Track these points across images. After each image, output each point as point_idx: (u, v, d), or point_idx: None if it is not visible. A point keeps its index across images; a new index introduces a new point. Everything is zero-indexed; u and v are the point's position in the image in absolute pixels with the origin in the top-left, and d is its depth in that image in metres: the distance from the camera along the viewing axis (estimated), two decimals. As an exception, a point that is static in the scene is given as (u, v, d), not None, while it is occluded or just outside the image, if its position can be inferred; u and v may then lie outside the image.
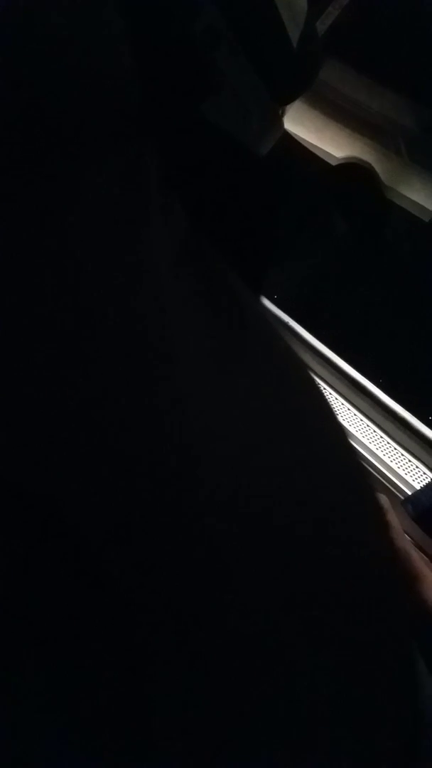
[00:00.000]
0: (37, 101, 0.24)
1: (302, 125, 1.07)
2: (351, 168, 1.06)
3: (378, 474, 0.99)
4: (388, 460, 1.00)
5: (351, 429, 1.03)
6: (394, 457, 1.01)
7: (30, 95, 0.24)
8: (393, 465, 0.99)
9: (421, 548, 0.86)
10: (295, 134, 1.06)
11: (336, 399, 1.06)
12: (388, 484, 0.98)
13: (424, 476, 0.99)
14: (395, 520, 0.79)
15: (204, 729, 0.25)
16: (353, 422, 1.05)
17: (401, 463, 1.00)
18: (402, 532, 0.79)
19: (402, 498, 0.95)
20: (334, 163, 1.08)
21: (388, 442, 1.03)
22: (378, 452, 1.01)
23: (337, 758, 0.27)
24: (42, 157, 0.24)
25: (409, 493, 0.96)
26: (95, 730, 0.23)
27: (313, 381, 0.35)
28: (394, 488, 0.98)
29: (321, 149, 1.08)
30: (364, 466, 0.34)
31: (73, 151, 0.25)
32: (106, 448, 0.24)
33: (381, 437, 1.03)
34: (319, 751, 0.27)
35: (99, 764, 0.23)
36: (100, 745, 0.23)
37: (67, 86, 0.25)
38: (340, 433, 0.35)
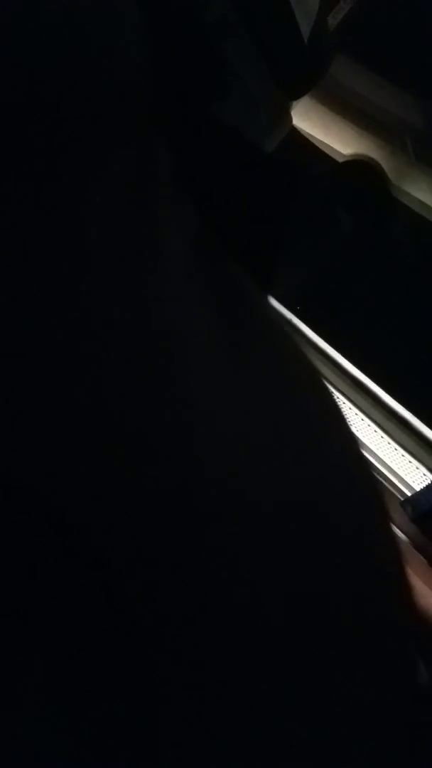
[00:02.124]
0: (43, 93, 0.23)
1: (309, 121, 1.06)
2: (357, 165, 1.06)
3: (378, 474, 0.99)
4: (388, 461, 1.00)
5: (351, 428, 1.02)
6: (394, 457, 1.01)
7: (35, 86, 0.23)
8: (393, 465, 0.99)
9: (420, 550, 0.86)
10: (302, 130, 1.05)
11: (337, 397, 1.06)
12: (387, 485, 0.98)
13: (424, 477, 0.99)
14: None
15: (210, 731, 0.25)
16: (354, 422, 1.05)
17: (401, 464, 1.00)
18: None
19: (402, 499, 0.95)
20: (340, 159, 1.07)
21: (389, 443, 1.02)
22: (378, 452, 1.01)
23: (340, 760, 0.27)
24: (47, 152, 0.23)
25: (409, 494, 0.96)
26: (98, 736, 0.23)
27: (323, 384, 0.35)
28: (394, 489, 0.97)
29: (327, 145, 1.07)
30: (373, 474, 0.35)
31: (80, 146, 0.24)
32: (110, 447, 0.23)
33: (381, 437, 1.03)
34: (322, 753, 0.27)
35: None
36: (104, 752, 0.23)
37: (75, 78, 0.25)
38: (350, 440, 0.34)
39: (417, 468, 1.00)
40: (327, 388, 0.35)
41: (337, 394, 1.06)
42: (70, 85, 0.24)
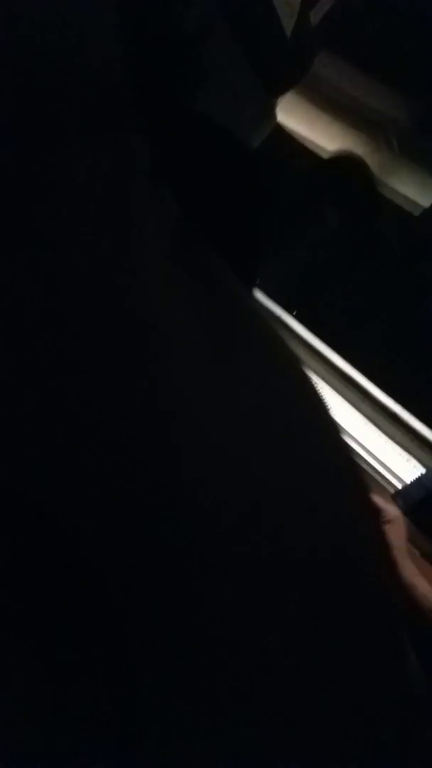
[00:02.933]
0: (19, 82, 0.24)
1: (294, 117, 1.06)
2: (343, 161, 1.06)
3: (368, 467, 0.99)
4: (378, 454, 1.00)
5: (342, 422, 1.03)
6: (385, 450, 1.01)
7: (14, 76, 0.23)
8: (383, 458, 0.99)
9: (411, 541, 0.86)
10: (287, 126, 1.05)
11: (327, 391, 1.06)
12: (378, 478, 0.98)
13: (414, 469, 0.99)
14: (400, 533, 0.78)
15: (194, 730, 0.24)
16: (344, 415, 1.05)
17: (391, 457, 1.00)
18: (405, 548, 0.78)
19: (392, 491, 0.95)
20: (326, 155, 1.07)
21: (379, 435, 1.03)
22: (368, 445, 1.01)
23: (332, 757, 0.27)
24: (23, 139, 0.23)
25: (399, 486, 0.96)
26: (84, 729, 0.23)
27: (306, 375, 0.35)
28: (385, 481, 0.98)
29: (313, 142, 1.07)
30: (357, 462, 0.34)
31: (58, 135, 0.24)
32: (92, 446, 0.23)
33: (372, 430, 1.03)
34: (312, 751, 0.27)
35: (87, 761, 0.23)
36: (89, 744, 0.23)
37: (53, 70, 0.25)
38: (332, 429, 0.34)
39: (407, 460, 1.00)
40: (309, 380, 0.35)
41: (326, 389, 1.06)
42: (42, 76, 0.24)
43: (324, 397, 0.34)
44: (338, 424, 0.35)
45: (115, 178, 0.26)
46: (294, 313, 1.10)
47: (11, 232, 0.23)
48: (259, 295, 1.08)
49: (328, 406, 0.35)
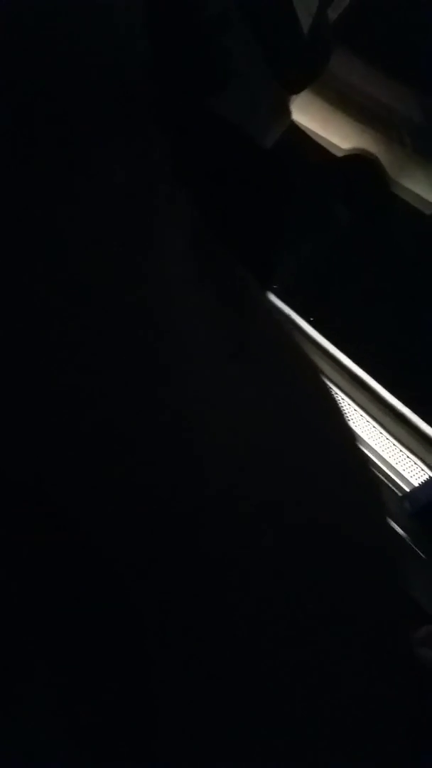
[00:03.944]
0: (44, 82, 0.23)
1: (308, 115, 1.05)
2: (356, 159, 1.05)
3: (376, 470, 0.99)
4: (386, 456, 1.00)
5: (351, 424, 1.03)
6: (393, 453, 1.01)
7: (37, 76, 0.23)
8: (391, 461, 0.99)
9: (418, 545, 0.86)
10: (301, 124, 1.04)
11: (335, 394, 1.06)
12: (386, 481, 0.98)
13: (422, 473, 0.99)
14: None
15: (208, 731, 0.24)
16: (352, 417, 1.05)
17: (399, 460, 1.00)
18: None
19: (400, 494, 0.95)
20: (339, 153, 1.07)
21: (387, 438, 1.02)
22: (376, 448, 1.01)
23: (339, 759, 0.27)
24: (47, 139, 0.23)
25: (407, 489, 0.96)
26: (98, 732, 0.23)
27: (321, 379, 0.34)
28: (393, 485, 0.97)
29: (326, 139, 1.06)
30: (372, 470, 0.34)
31: (79, 135, 0.24)
32: (106, 443, 0.23)
33: (380, 433, 1.03)
34: (320, 753, 0.27)
35: (101, 766, 0.23)
36: (103, 749, 0.23)
37: (76, 69, 0.25)
38: (348, 436, 0.34)
39: (415, 464, 1.00)
40: (326, 385, 0.34)
41: (335, 390, 1.06)
42: (68, 78, 0.24)
43: (338, 401, 0.34)
44: (352, 429, 0.35)
45: (135, 177, 0.26)
46: (302, 315, 1.10)
47: (35, 230, 0.23)
48: (272, 296, 1.08)
49: (343, 410, 0.35)
